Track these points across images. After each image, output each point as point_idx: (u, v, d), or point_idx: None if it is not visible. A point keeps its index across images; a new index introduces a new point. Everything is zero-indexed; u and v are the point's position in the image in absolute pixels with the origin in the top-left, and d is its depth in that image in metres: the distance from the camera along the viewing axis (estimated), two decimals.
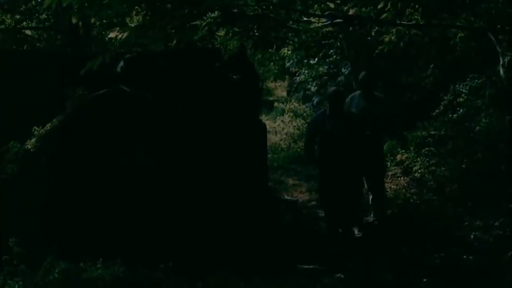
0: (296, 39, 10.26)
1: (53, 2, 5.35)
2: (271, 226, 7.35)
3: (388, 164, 10.08)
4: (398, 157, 10.25)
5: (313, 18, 6.53)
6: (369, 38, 9.90)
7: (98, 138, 7.07)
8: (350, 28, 8.10)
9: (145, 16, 5.88)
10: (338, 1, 7.04)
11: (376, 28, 8.95)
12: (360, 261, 6.90)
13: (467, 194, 8.52)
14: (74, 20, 7.74)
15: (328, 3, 7.09)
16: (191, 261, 6.60)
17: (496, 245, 7.17)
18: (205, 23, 5.94)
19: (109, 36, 9.12)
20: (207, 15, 5.90)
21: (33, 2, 11.45)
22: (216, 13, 5.87)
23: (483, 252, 6.99)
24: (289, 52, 13.79)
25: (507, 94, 9.13)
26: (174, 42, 7.31)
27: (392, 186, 9.59)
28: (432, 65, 10.93)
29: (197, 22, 5.97)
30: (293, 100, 16.51)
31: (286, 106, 16.41)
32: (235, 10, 5.85)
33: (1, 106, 7.11)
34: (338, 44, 12.29)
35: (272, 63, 17.65)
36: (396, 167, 10.21)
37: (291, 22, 6.57)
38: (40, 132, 6.27)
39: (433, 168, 9.52)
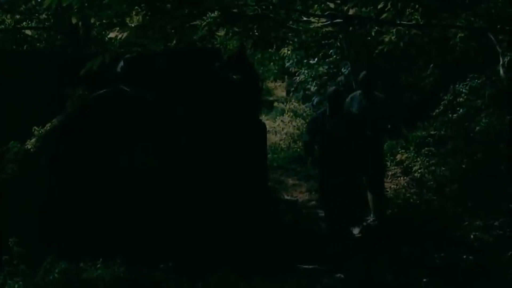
0: (296, 39, 10.26)
1: (53, 2, 5.35)
2: (271, 226, 7.35)
3: (388, 164, 10.07)
4: (398, 157, 10.25)
5: (313, 18, 6.54)
6: (369, 38, 9.91)
7: (98, 138, 7.06)
8: (350, 28, 8.12)
9: (145, 16, 5.89)
10: (338, 1, 7.05)
11: (376, 28, 8.96)
12: (360, 261, 6.89)
13: (467, 194, 8.51)
14: (74, 20, 7.75)
15: (328, 3, 7.10)
16: (191, 261, 6.59)
17: (496, 245, 7.16)
18: (205, 23, 5.95)
19: (109, 36, 9.12)
20: (207, 15, 5.91)
21: (33, 2, 11.44)
22: (216, 13, 5.87)
23: (483, 252, 6.98)
24: (289, 52, 13.80)
25: (507, 94, 9.13)
26: (174, 42, 7.31)
27: (392, 186, 9.58)
28: (432, 65, 10.94)
29: (197, 22, 5.98)
30: (293, 100, 16.50)
31: (286, 106, 16.42)
32: (235, 10, 5.85)
33: (1, 106, 7.10)
34: (338, 44, 12.28)
35: (272, 63, 17.68)
36: (396, 167, 10.20)
37: (291, 22, 6.58)
38: (40, 132, 6.27)
39: (433, 168, 9.50)
